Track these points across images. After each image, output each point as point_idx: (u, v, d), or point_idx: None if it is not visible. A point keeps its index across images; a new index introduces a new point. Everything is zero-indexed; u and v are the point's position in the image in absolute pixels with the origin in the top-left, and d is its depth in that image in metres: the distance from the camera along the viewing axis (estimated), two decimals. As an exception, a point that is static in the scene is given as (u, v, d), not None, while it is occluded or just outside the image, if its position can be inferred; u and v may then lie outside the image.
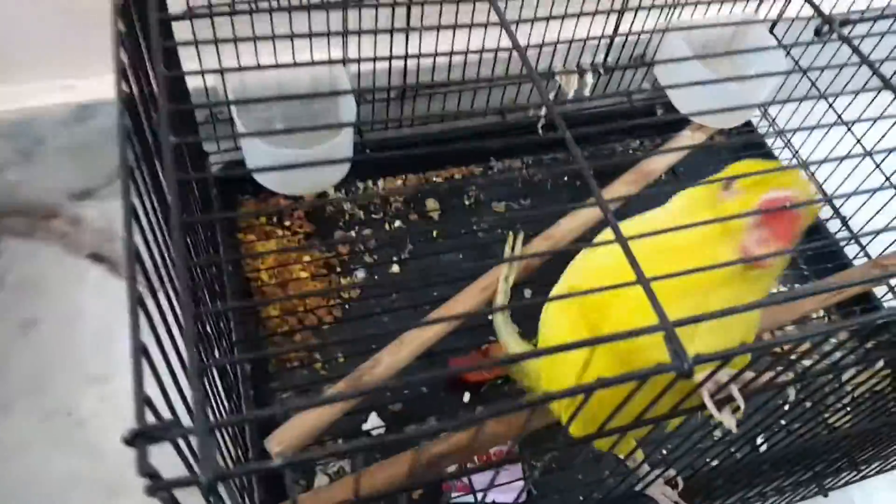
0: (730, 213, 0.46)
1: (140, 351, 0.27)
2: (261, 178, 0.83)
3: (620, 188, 0.91)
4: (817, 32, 0.47)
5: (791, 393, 0.39)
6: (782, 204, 0.45)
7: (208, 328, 0.58)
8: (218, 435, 0.60)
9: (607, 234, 0.54)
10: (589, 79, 0.93)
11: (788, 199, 0.45)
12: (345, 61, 0.84)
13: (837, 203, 1.01)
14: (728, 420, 0.38)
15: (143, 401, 0.26)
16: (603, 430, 0.33)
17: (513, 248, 0.84)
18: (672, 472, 0.52)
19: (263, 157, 0.78)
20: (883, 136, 0.88)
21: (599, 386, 0.28)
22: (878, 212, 0.91)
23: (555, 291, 0.59)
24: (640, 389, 0.29)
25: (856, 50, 0.39)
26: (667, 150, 0.97)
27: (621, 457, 0.51)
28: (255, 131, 0.79)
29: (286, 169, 0.37)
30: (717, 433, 0.75)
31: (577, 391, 0.28)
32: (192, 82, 0.82)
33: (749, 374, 0.35)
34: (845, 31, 0.39)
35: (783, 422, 0.77)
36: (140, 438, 0.24)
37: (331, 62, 0.84)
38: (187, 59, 0.77)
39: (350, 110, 0.82)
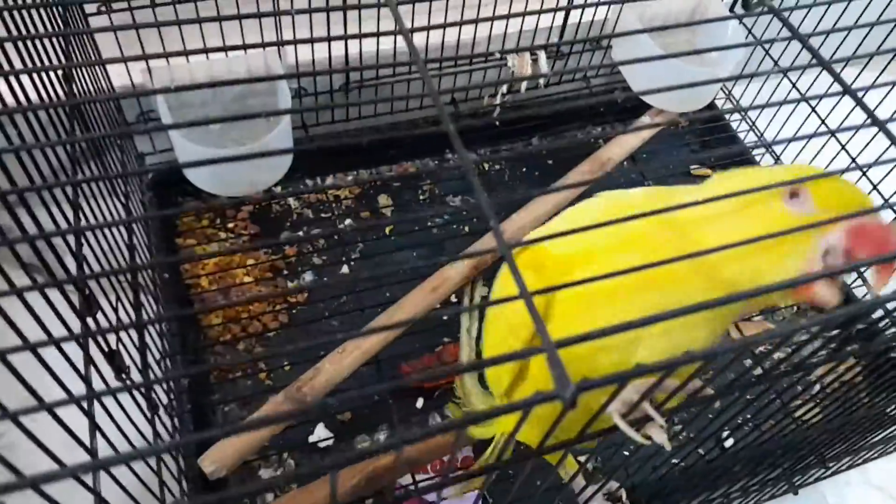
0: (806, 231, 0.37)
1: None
2: (197, 181, 0.79)
3: (576, 178, 0.87)
4: (745, 5, 0.43)
5: (717, 404, 0.35)
6: (879, 234, 0.37)
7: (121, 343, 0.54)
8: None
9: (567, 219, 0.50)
10: (543, 62, 0.89)
11: (887, 230, 0.37)
12: (280, 51, 0.79)
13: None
14: (656, 435, 0.34)
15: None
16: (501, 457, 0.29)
17: (471, 299, 0.80)
18: (613, 485, 0.49)
19: (196, 157, 0.74)
20: (848, 115, 0.84)
21: (474, 420, 0.24)
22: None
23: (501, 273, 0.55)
24: (526, 418, 0.25)
25: (785, 22, 0.35)
26: (629, 132, 0.94)
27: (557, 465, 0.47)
28: (182, 125, 0.74)
29: (209, 164, 0.33)
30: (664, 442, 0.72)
31: (459, 424, 0.24)
32: (119, 81, 0.78)
33: (671, 383, 0.31)
34: (775, 2, 0.35)
35: (738, 420, 0.74)
36: None
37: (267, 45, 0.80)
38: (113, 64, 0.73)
39: (287, 105, 0.78)
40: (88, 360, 0.42)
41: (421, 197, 0.96)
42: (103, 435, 0.43)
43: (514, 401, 0.34)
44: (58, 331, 0.43)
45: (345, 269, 0.88)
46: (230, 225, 0.89)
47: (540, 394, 0.23)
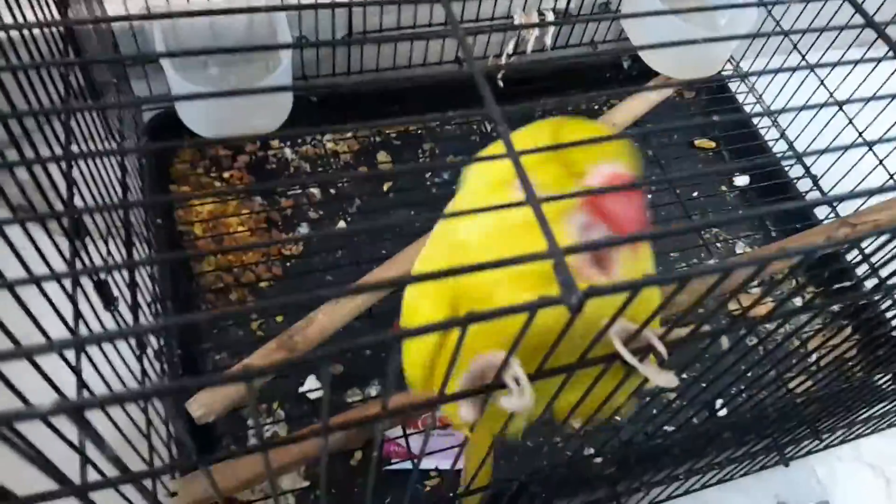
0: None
1: None
2: (193, 124, 0.77)
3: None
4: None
5: (725, 343, 0.34)
6: (618, 208, 0.33)
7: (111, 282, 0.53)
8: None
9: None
10: (550, 19, 0.87)
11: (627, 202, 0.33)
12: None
13: (808, 161, 0.97)
14: (661, 379, 0.33)
15: None
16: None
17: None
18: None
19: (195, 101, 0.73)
20: (859, 86, 0.83)
21: (469, 321, 0.23)
22: (850, 169, 0.87)
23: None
24: (528, 328, 0.24)
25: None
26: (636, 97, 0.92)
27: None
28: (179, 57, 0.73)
29: (210, 97, 0.31)
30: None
31: (434, 328, 0.23)
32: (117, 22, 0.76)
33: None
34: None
35: (732, 391, 0.73)
36: None
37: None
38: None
39: (287, 52, 0.76)
40: (76, 283, 0.41)
41: (421, 156, 0.95)
42: (90, 360, 0.42)
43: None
44: (44, 268, 0.41)
45: (341, 224, 0.87)
46: (225, 175, 0.87)
47: (545, 297, 0.22)
